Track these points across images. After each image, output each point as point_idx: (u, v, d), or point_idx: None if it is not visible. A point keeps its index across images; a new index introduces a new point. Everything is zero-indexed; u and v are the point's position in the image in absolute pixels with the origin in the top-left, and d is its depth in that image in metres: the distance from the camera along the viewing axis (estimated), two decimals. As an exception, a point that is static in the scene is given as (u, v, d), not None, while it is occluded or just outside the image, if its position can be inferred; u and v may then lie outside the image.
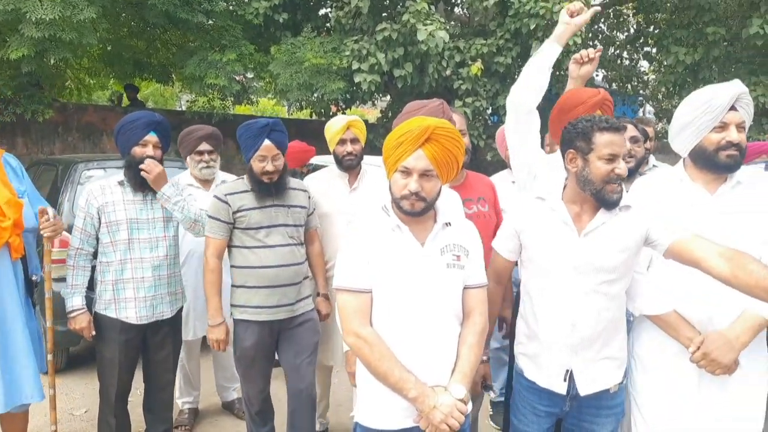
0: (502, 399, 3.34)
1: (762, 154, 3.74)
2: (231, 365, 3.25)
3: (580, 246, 1.75)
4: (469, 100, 6.87)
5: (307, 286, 2.64)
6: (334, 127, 2.81)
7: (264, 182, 2.47)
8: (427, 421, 1.59)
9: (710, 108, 1.82)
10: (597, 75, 9.82)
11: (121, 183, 2.57)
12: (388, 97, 9.06)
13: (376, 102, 9.25)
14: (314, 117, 8.88)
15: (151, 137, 2.55)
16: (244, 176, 2.55)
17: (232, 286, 2.52)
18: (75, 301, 2.54)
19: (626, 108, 10.48)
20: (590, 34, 8.97)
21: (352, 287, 1.65)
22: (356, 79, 6.69)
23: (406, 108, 2.09)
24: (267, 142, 2.43)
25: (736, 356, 1.74)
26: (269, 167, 2.45)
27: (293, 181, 2.62)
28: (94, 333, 2.58)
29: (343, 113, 9.31)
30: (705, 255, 1.61)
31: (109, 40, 8.03)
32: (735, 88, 1.81)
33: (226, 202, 2.45)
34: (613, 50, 9.59)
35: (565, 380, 1.81)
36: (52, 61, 6.90)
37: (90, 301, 2.60)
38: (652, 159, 3.68)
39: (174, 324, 2.72)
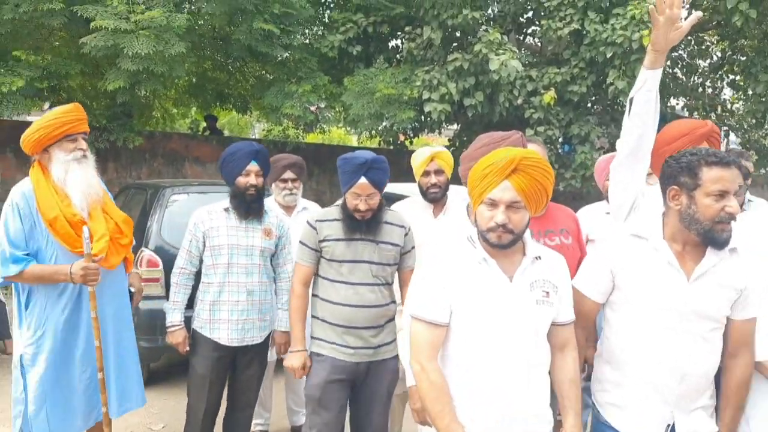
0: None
1: None
2: (301, 389, 3.27)
3: (690, 291, 1.64)
4: (540, 129, 6.76)
5: (392, 330, 2.48)
6: (418, 159, 2.80)
7: (354, 218, 2.38)
8: None
9: None
10: (678, 103, 9.43)
11: (226, 209, 2.70)
12: (455, 125, 9.07)
13: (442, 130, 9.29)
14: (382, 145, 9.01)
15: (253, 166, 2.65)
16: (341, 202, 2.46)
17: (313, 317, 2.45)
18: (174, 317, 2.69)
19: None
20: (669, 62, 8.65)
21: (428, 318, 1.63)
22: (426, 109, 6.76)
23: (480, 140, 2.05)
24: (363, 180, 2.33)
25: None
26: (362, 206, 2.35)
27: (392, 215, 2.49)
28: (188, 349, 2.70)
29: (411, 142, 9.39)
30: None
31: (194, 72, 8.55)
32: None
33: (315, 228, 2.39)
34: (695, 78, 9.19)
35: None
36: (143, 93, 7.43)
37: (186, 319, 2.73)
38: (747, 194, 3.44)
39: (262, 348, 2.78)
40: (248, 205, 2.66)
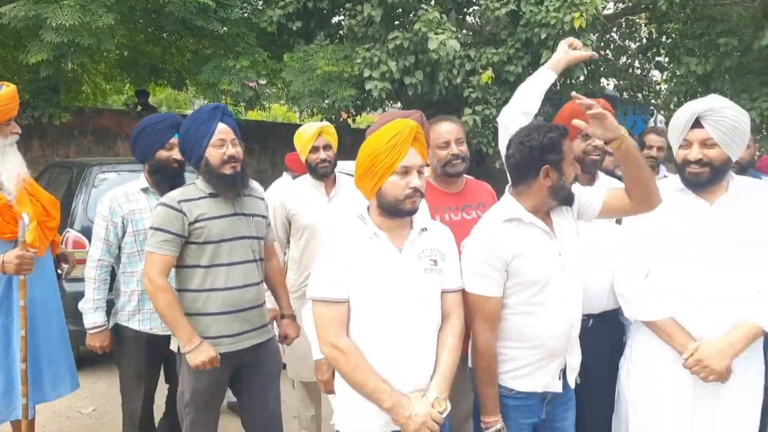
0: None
1: None
2: None
3: (561, 249, 1.82)
4: (478, 108, 6.90)
5: (266, 309, 2.33)
6: (305, 135, 2.71)
7: (228, 175, 2.09)
8: (404, 430, 1.62)
9: (674, 126, 1.90)
10: (608, 84, 9.82)
11: (144, 190, 2.49)
12: (399, 104, 9.12)
13: (386, 109, 9.32)
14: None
15: (176, 140, 2.35)
16: (194, 182, 2.17)
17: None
18: (97, 317, 2.44)
19: (636, 117, 10.45)
20: (602, 43, 8.98)
21: (329, 297, 1.66)
22: (367, 87, 6.75)
23: (383, 118, 2.12)
24: (223, 125, 2.11)
25: (728, 363, 1.76)
26: (231, 151, 2.08)
27: (252, 188, 2.32)
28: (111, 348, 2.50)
29: (353, 120, 9.38)
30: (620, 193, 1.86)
31: (125, 45, 8.19)
32: (695, 106, 1.85)
33: (181, 211, 2.05)
34: (625, 59, 9.58)
35: (559, 378, 1.86)
36: (69, 66, 7.05)
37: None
38: (662, 169, 3.69)
39: None
40: (172, 181, 2.41)
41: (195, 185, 2.17)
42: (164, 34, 8.15)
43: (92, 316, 2.45)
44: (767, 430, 2.06)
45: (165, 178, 2.43)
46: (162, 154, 2.45)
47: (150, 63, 8.98)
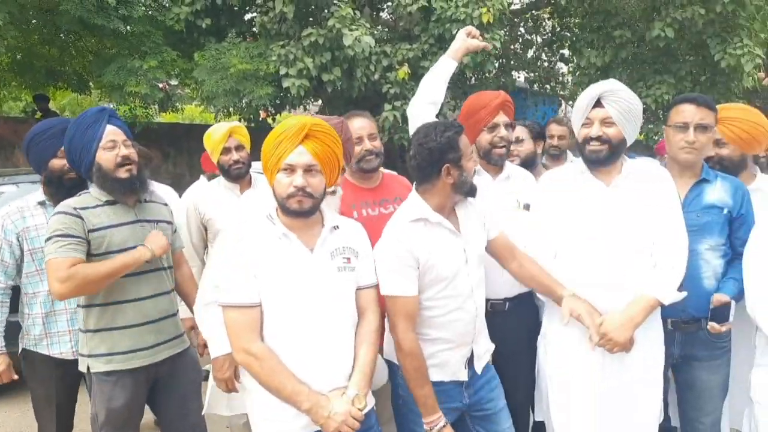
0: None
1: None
2: None
3: (467, 245, 1.89)
4: (398, 103, 6.98)
5: (180, 319, 2.26)
6: (215, 136, 2.63)
7: (124, 179, 1.98)
8: (324, 429, 1.61)
9: (577, 108, 2.03)
10: (519, 76, 10.25)
11: (42, 203, 2.34)
12: (320, 102, 9.05)
13: (308, 107, 9.22)
14: (243, 123, 8.73)
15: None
16: (88, 191, 2.05)
17: (86, 331, 2.04)
18: None
19: (546, 108, 11.00)
20: (510, 38, 9.35)
21: (239, 302, 1.62)
22: (285, 84, 6.65)
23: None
24: (111, 127, 2.01)
25: (630, 335, 1.89)
26: (124, 152, 1.98)
27: (153, 192, 2.25)
28: (16, 377, 2.32)
29: (273, 119, 9.21)
30: (507, 255, 2.01)
31: (18, 48, 7.57)
32: (598, 88, 1.98)
33: (79, 216, 1.93)
34: (532, 52, 10.03)
35: (466, 367, 1.92)
36: (-46, 71, 6.44)
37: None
38: (570, 156, 3.91)
39: None
40: (69, 192, 2.20)
41: (89, 194, 2.04)
42: (61, 35, 7.60)
43: None
44: (668, 395, 2.24)
45: (61, 189, 2.26)
46: (55, 163, 2.29)
47: (47, 65, 8.35)
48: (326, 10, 6.92)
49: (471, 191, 1.88)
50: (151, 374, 2.09)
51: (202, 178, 3.82)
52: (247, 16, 8.11)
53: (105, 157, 1.99)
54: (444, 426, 1.81)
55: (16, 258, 2.30)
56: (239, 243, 1.65)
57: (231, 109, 7.50)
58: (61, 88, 9.32)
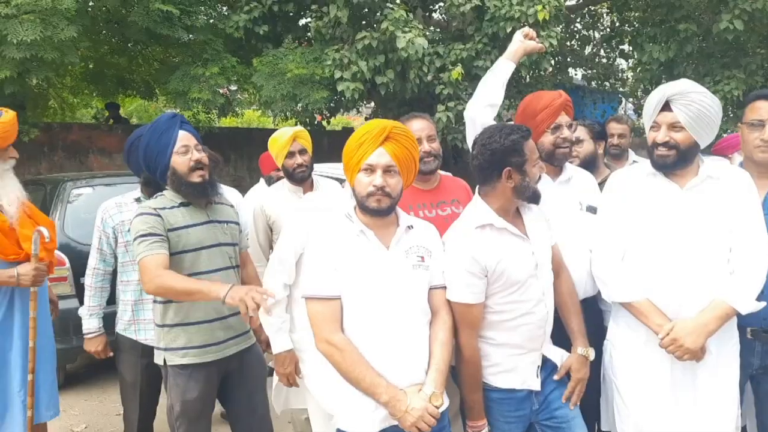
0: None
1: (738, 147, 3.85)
2: None
3: (535, 249, 1.88)
4: (451, 104, 6.96)
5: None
6: (280, 140, 2.70)
7: (197, 183, 2.08)
8: (401, 423, 1.65)
9: (645, 110, 1.97)
10: (576, 74, 10.00)
11: (137, 200, 2.51)
12: (372, 104, 9.15)
13: (360, 109, 9.34)
14: (299, 126, 8.94)
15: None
16: (163, 193, 2.16)
17: (162, 326, 2.13)
18: (91, 324, 2.53)
19: (606, 105, 10.66)
20: (566, 34, 9.13)
21: (322, 295, 1.69)
22: (339, 88, 6.77)
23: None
24: (183, 132, 2.11)
25: (702, 342, 1.81)
26: (197, 156, 2.08)
27: (221, 194, 2.32)
28: (111, 354, 2.54)
29: (328, 122, 9.38)
30: (554, 269, 1.97)
31: (90, 58, 8.05)
32: (665, 89, 1.90)
33: (159, 216, 2.03)
34: (590, 49, 9.76)
35: (537, 376, 1.90)
36: (34, 82, 6.91)
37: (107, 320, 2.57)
38: (632, 155, 3.79)
39: None
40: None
41: (165, 196, 2.15)
42: (129, 45, 8.03)
43: (87, 322, 2.54)
44: (743, 407, 2.13)
45: (158, 190, 2.34)
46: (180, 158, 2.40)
47: (117, 74, 8.84)
48: (379, 13, 7.00)
49: (534, 197, 1.86)
50: (222, 368, 2.18)
51: (262, 181, 3.96)
52: (302, 22, 8.31)
53: (179, 162, 2.09)
54: None
55: (113, 248, 2.51)
56: (320, 240, 1.74)
57: (288, 113, 7.71)
58: (130, 95, 9.84)
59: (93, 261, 2.54)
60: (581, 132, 2.93)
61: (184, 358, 2.10)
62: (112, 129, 9.30)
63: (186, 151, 2.09)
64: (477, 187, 1.94)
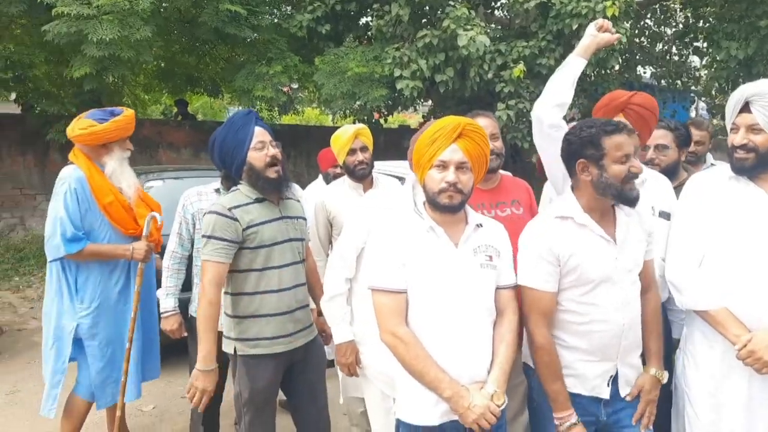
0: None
1: None
2: None
3: (619, 254, 1.79)
4: (512, 102, 6.85)
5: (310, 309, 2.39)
6: (342, 138, 2.76)
7: (273, 179, 2.13)
8: (462, 420, 1.65)
9: (726, 111, 1.87)
10: (645, 72, 9.60)
11: (217, 190, 2.63)
12: (430, 102, 9.12)
13: (417, 107, 9.34)
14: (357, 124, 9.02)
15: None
16: (238, 187, 2.20)
17: (233, 316, 2.17)
18: (167, 303, 2.67)
19: (677, 105, 10.17)
20: (636, 31, 8.78)
21: (389, 287, 1.71)
22: (398, 86, 6.80)
23: (424, 127, 2.13)
24: (259, 128, 2.15)
25: None
26: (272, 152, 2.12)
27: (290, 190, 2.35)
28: (185, 334, 2.68)
29: (385, 120, 9.43)
30: (643, 284, 1.87)
31: (162, 57, 8.43)
32: (743, 90, 1.81)
33: (234, 218, 2.07)
34: (661, 46, 9.35)
35: (609, 386, 1.83)
36: (111, 79, 7.32)
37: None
38: (709, 158, 3.57)
39: None
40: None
41: (240, 191, 2.19)
42: (198, 44, 8.36)
43: (164, 301, 2.69)
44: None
45: (233, 185, 2.46)
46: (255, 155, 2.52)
47: (186, 72, 9.24)
48: (440, 11, 6.97)
49: (621, 197, 1.76)
50: (288, 359, 2.23)
51: (320, 178, 4.03)
52: (363, 21, 8.39)
53: (256, 157, 2.12)
54: (575, 423, 1.77)
55: (191, 233, 2.66)
56: (389, 234, 1.75)
57: (347, 111, 7.82)
58: (197, 92, 10.26)
59: (172, 244, 2.68)
60: (665, 138, 2.68)
61: (255, 349, 2.15)
62: (180, 125, 9.72)
63: (262, 147, 2.13)
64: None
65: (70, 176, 2.65)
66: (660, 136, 2.65)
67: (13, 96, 8.60)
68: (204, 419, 2.70)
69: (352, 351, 2.11)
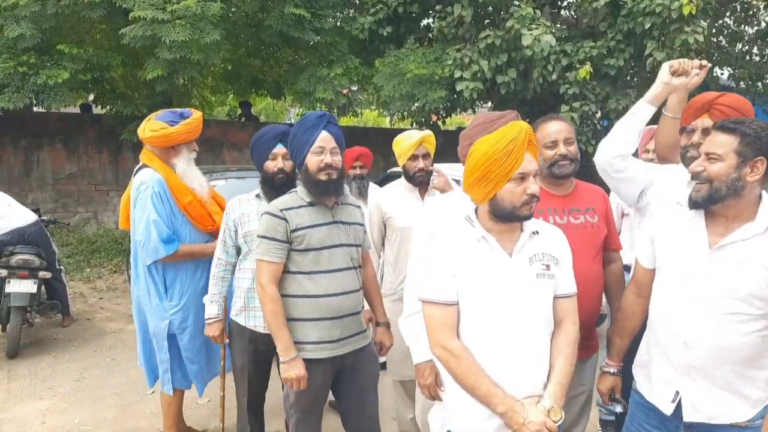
0: (612, 418, 3.17)
1: None
2: None
3: (710, 260, 1.63)
4: (576, 104, 6.62)
5: (362, 316, 2.37)
6: (406, 142, 2.76)
7: (323, 181, 2.14)
8: None
9: None
10: (723, 73, 9.04)
11: (258, 196, 2.65)
12: (489, 104, 8.96)
13: (477, 110, 9.19)
14: (415, 126, 8.99)
15: (279, 149, 2.53)
16: (296, 190, 2.26)
17: (287, 320, 2.18)
18: (211, 310, 2.67)
19: (757, 108, 9.53)
20: (714, 30, 8.29)
21: (439, 300, 1.65)
22: (458, 87, 6.70)
23: (476, 120, 2.02)
24: (325, 133, 2.16)
25: None
26: (328, 159, 2.13)
27: (347, 195, 2.37)
28: (227, 341, 2.71)
29: (443, 122, 9.34)
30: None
31: (229, 59, 8.71)
32: None
33: (284, 219, 2.13)
34: (741, 46, 8.78)
35: (673, 402, 1.69)
36: (181, 81, 7.63)
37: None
38: None
39: None
40: (277, 190, 2.46)
41: (296, 193, 2.24)
42: (263, 47, 8.59)
43: (209, 308, 2.68)
44: None
45: (272, 188, 2.52)
46: (268, 165, 2.56)
47: (251, 75, 9.51)
48: (504, 12, 6.83)
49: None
50: (336, 365, 2.22)
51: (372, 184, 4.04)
52: (425, 22, 8.35)
53: (312, 161, 2.16)
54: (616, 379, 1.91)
55: (234, 240, 2.62)
56: (439, 243, 1.70)
57: (405, 113, 7.79)
58: (261, 94, 10.53)
59: (217, 252, 2.66)
60: None
61: (301, 352, 2.16)
62: (243, 126, 10.02)
63: (321, 152, 2.15)
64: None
65: (151, 180, 2.73)
66: None
67: (91, 97, 9.13)
68: (250, 415, 2.72)
69: (431, 371, 1.97)
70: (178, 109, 2.91)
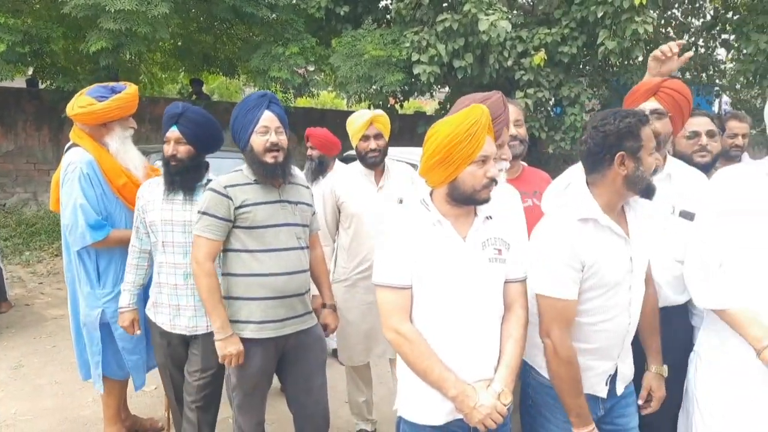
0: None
1: None
2: None
3: (635, 254, 1.72)
4: (530, 90, 6.72)
5: (309, 298, 2.32)
6: (356, 123, 2.69)
7: (269, 164, 2.09)
8: (467, 419, 1.60)
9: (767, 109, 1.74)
10: (669, 64, 9.33)
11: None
12: (447, 89, 8.98)
13: (434, 93, 9.19)
14: (372, 109, 8.92)
15: (172, 133, 2.31)
16: (241, 168, 2.19)
17: (226, 297, 2.14)
18: (122, 299, 2.50)
19: (700, 99, 9.92)
20: (662, 21, 8.54)
21: (392, 283, 1.63)
22: (415, 71, 6.68)
23: (462, 102, 1.97)
24: (268, 113, 2.10)
25: None
26: (273, 138, 2.09)
27: (295, 175, 2.29)
28: (139, 332, 2.53)
29: (401, 105, 9.30)
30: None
31: (179, 35, 8.38)
32: None
33: (227, 196, 2.07)
34: (687, 38, 9.08)
35: (607, 384, 1.77)
36: (127, 56, 7.29)
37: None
38: (745, 157, 3.40)
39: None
40: (171, 178, 2.32)
41: (242, 171, 2.18)
42: (216, 23, 8.30)
43: (121, 297, 2.52)
44: None
45: (168, 175, 2.35)
46: (164, 148, 2.37)
47: (203, 51, 9.18)
48: (462, -5, 6.81)
49: (647, 191, 1.69)
50: (279, 346, 2.18)
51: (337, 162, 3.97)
52: (383, 3, 8.25)
53: (257, 141, 2.10)
54: None
55: (146, 226, 2.41)
56: (393, 227, 1.68)
57: (362, 95, 7.71)
58: (214, 72, 10.21)
59: (132, 238, 2.48)
60: (713, 125, 2.51)
61: (243, 332, 2.11)
62: (194, 104, 9.67)
63: (265, 132, 2.10)
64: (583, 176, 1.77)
65: (80, 161, 2.53)
66: (706, 123, 2.50)
67: (30, 71, 8.62)
68: (180, 408, 2.55)
69: None
70: (111, 84, 2.68)
